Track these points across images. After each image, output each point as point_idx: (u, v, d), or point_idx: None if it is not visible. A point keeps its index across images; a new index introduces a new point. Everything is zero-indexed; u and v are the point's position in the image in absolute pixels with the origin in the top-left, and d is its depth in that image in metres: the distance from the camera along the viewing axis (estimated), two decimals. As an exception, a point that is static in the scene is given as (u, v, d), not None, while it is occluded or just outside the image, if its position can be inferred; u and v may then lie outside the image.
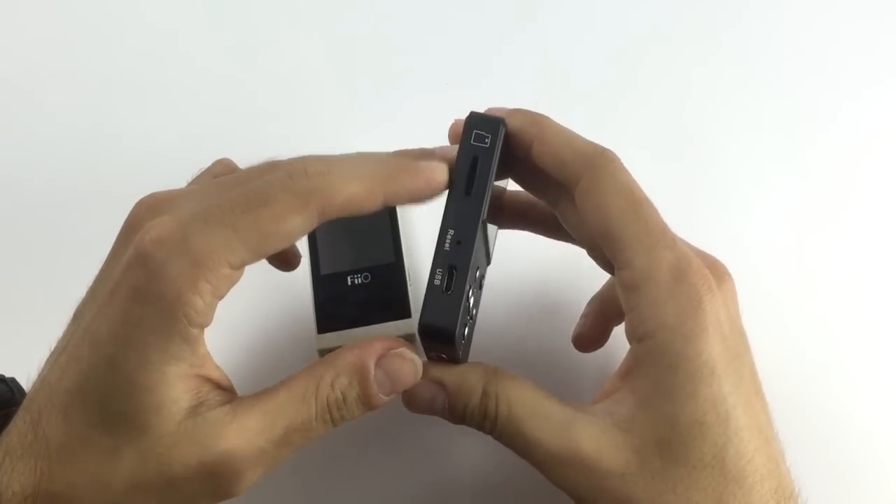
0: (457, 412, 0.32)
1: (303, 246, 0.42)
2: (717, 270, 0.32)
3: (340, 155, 0.31)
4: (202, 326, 0.28)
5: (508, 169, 0.33)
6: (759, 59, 0.49)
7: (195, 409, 0.28)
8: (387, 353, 0.31)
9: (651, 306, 0.30)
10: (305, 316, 0.41)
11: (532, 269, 0.43)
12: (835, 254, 0.43)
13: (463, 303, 0.29)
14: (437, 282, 0.29)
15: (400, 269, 0.41)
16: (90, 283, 0.31)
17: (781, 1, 0.50)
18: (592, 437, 0.30)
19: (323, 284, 0.41)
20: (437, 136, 0.46)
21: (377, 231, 0.42)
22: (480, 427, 0.32)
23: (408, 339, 0.41)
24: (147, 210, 0.30)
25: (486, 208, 0.30)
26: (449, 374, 0.31)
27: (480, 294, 0.33)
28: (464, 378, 0.31)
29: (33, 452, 0.27)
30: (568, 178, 0.32)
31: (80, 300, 0.31)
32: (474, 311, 0.32)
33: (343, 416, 0.30)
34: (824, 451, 0.35)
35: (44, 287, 0.43)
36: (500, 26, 0.50)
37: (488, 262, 0.34)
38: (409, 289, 0.41)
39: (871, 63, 0.48)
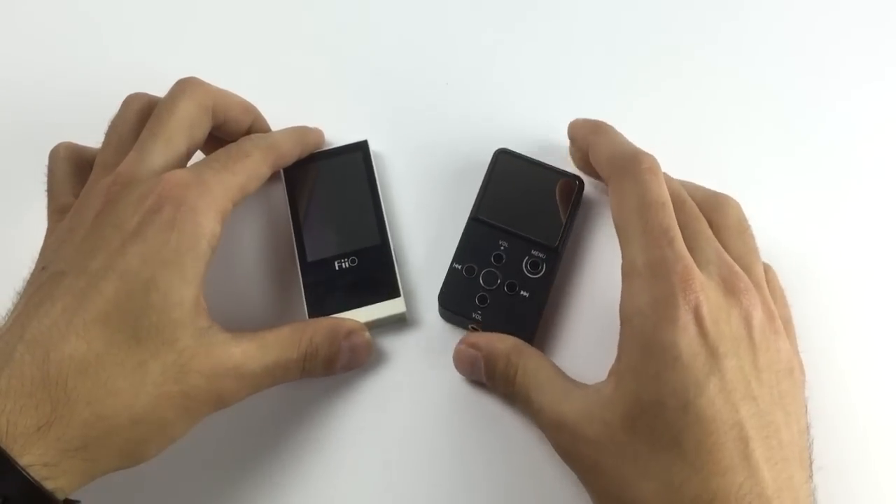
0: (489, 374, 0.38)
1: (288, 233, 0.43)
2: (731, 285, 0.33)
3: (272, 132, 0.43)
4: (214, 250, 0.35)
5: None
6: (757, 54, 0.48)
7: (207, 330, 0.34)
8: (354, 330, 0.39)
9: (632, 293, 0.34)
10: (297, 303, 0.41)
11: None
12: (834, 252, 0.43)
13: (456, 276, 0.40)
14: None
15: (387, 251, 0.42)
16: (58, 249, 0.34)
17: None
18: (578, 409, 0.34)
19: (311, 271, 0.41)
20: (436, 134, 0.47)
21: (361, 214, 0.42)
22: (505, 390, 0.38)
23: (398, 318, 0.42)
24: (115, 185, 0.35)
25: (477, 208, 0.42)
26: (483, 340, 0.38)
27: (526, 277, 0.40)
28: (494, 345, 0.38)
29: (42, 386, 0.30)
30: (605, 177, 0.37)
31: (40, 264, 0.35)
32: (497, 289, 0.40)
33: (311, 369, 0.37)
34: (826, 450, 0.35)
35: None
36: (501, 26, 0.50)
37: (543, 256, 0.40)
38: (397, 269, 0.41)
39: (870, 59, 0.48)
